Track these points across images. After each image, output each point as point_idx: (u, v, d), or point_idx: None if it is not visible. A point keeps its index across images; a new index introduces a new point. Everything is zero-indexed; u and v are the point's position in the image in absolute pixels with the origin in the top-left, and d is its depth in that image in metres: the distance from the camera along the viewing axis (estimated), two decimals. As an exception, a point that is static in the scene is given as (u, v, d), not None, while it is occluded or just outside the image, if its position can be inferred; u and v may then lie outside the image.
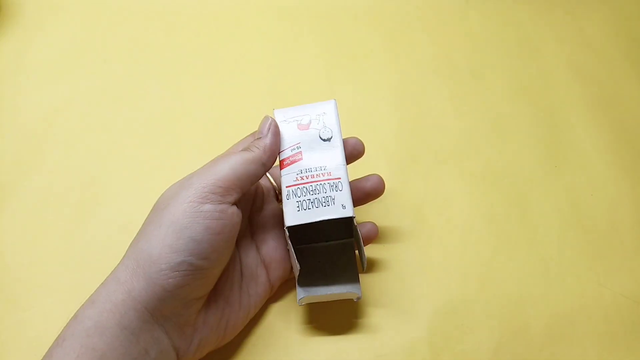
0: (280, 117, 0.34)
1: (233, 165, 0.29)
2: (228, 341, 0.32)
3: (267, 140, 0.31)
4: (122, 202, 0.40)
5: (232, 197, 0.29)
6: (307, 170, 0.32)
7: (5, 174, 0.41)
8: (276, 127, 0.32)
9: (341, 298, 0.33)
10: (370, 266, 0.37)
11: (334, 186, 0.31)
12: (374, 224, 0.35)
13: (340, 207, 0.31)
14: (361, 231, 0.34)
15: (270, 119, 0.32)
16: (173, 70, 0.48)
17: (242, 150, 0.31)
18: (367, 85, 0.48)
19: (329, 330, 0.34)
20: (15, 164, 0.41)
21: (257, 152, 0.31)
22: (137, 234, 0.28)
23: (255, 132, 0.33)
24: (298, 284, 0.32)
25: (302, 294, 0.32)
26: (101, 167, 0.42)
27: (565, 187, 0.42)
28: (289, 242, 0.31)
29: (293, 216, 0.31)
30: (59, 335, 0.26)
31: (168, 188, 0.30)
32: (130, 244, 0.28)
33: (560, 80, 0.49)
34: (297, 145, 0.33)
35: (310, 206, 0.31)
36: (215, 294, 0.30)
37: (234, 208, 0.29)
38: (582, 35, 0.53)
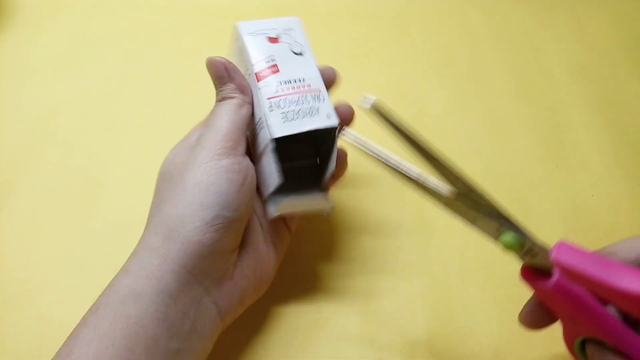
0: (246, 29, 0.33)
1: (229, 118, 0.30)
2: (264, 291, 0.32)
3: (235, 80, 0.31)
4: (121, 201, 0.40)
5: (242, 147, 0.30)
6: (287, 82, 0.31)
7: (4, 173, 0.41)
8: (230, 63, 0.31)
9: (313, 209, 0.32)
10: (370, 267, 0.37)
11: (317, 97, 0.31)
12: (349, 105, 0.33)
13: (325, 116, 0.31)
14: (337, 111, 0.32)
15: (216, 61, 0.31)
16: (173, 69, 0.48)
17: (220, 101, 0.31)
18: (366, 84, 0.48)
19: (329, 333, 0.34)
20: (14, 162, 0.41)
21: (238, 95, 0.31)
22: (157, 202, 0.29)
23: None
24: (268, 199, 0.31)
25: (273, 206, 0.31)
26: (100, 166, 0.41)
27: (566, 187, 0.42)
28: (273, 155, 0.30)
29: (279, 127, 0.30)
30: (93, 304, 0.26)
31: (172, 155, 0.30)
32: (152, 214, 0.29)
33: (561, 79, 0.49)
34: (271, 57, 0.32)
35: (296, 117, 0.30)
36: (245, 245, 0.31)
37: (247, 160, 0.30)
38: (583, 34, 0.53)
